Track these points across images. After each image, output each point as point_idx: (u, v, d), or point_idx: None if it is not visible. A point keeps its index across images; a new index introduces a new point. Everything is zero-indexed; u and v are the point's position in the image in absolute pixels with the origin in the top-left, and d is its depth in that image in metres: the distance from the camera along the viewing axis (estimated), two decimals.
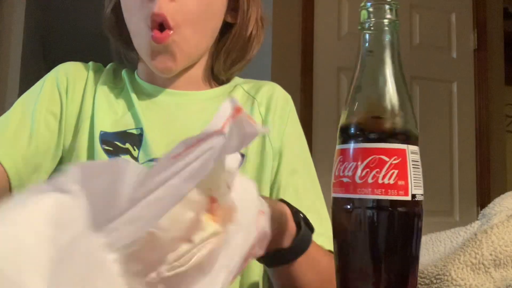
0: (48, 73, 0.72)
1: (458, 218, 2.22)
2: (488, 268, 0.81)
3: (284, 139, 0.71)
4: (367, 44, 0.41)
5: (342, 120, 0.41)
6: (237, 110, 0.27)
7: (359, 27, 0.41)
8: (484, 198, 2.22)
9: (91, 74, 0.72)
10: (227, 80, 0.76)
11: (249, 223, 0.34)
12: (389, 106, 0.39)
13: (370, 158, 0.37)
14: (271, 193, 0.69)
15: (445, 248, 0.91)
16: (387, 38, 0.40)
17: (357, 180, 0.37)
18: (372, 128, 0.39)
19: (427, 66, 2.26)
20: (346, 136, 0.39)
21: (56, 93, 0.69)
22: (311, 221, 0.52)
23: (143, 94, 0.71)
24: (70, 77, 0.70)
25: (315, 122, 2.10)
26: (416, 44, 2.26)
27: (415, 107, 2.20)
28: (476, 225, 0.92)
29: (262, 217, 0.37)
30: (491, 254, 0.80)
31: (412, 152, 0.38)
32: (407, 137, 0.39)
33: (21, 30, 2.55)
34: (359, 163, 0.38)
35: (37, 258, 0.24)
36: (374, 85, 0.40)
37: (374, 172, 0.37)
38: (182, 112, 0.70)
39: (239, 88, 0.75)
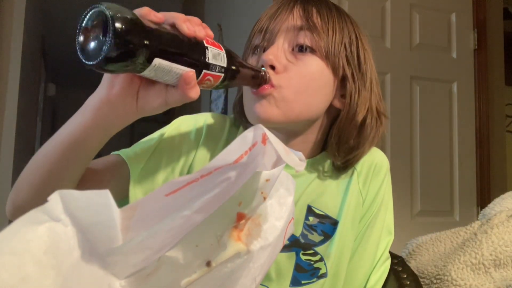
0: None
1: (458, 218, 2.22)
2: (488, 268, 0.81)
3: (373, 206, 0.77)
4: None
5: None
6: (264, 137, 0.27)
7: None
8: (484, 198, 2.22)
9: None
10: (344, 168, 0.76)
11: (277, 237, 0.32)
12: None
13: None
14: None
15: (445, 248, 0.91)
16: None
17: None
18: None
19: (427, 66, 2.25)
20: None
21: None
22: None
23: None
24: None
25: None
26: (416, 44, 2.26)
27: (415, 107, 2.20)
28: (476, 225, 0.92)
29: (291, 225, 0.36)
30: (491, 254, 0.80)
31: None
32: None
33: (21, 30, 2.55)
34: None
35: (43, 286, 0.24)
36: None
37: None
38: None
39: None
